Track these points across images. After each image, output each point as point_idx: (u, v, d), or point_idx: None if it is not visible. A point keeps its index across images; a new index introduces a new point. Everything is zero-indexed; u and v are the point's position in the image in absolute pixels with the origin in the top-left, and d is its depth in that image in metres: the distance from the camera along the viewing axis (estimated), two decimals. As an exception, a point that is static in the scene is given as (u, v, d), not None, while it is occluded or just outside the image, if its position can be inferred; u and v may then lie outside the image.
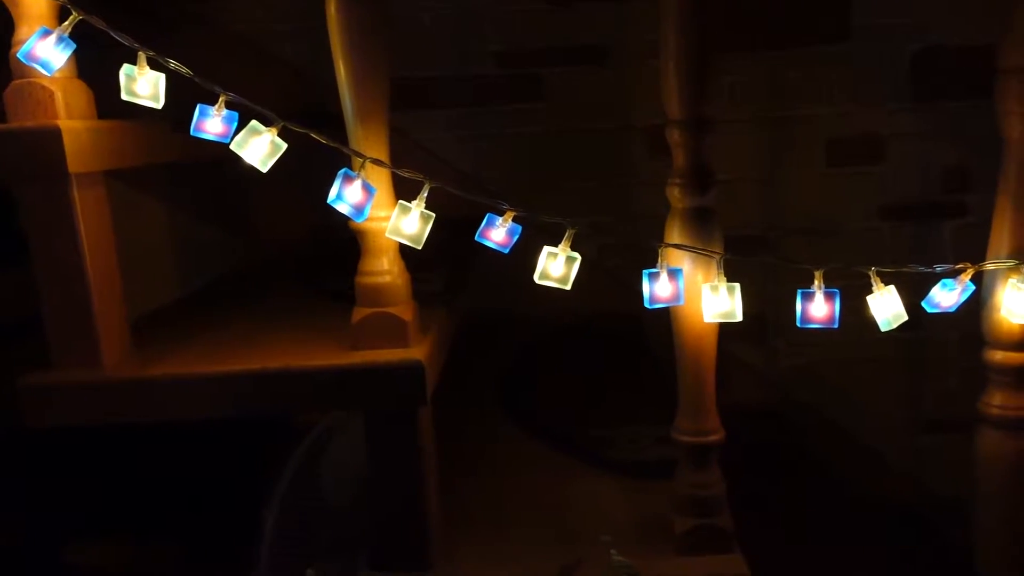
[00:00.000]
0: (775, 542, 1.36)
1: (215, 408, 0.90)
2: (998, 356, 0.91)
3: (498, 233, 0.86)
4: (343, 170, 0.81)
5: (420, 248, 0.85)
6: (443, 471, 1.16)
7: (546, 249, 0.85)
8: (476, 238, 0.86)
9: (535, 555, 0.95)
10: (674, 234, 0.89)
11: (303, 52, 1.67)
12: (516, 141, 1.73)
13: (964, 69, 1.65)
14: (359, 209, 0.82)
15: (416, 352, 0.90)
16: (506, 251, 0.87)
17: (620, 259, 1.61)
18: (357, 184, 0.82)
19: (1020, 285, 0.86)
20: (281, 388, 0.90)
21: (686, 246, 0.86)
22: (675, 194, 0.89)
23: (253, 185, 1.28)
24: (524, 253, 0.85)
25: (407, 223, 0.84)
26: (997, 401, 0.92)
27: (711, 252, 0.85)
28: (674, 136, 0.88)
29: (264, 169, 0.80)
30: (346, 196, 0.81)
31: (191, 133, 0.82)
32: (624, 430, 1.25)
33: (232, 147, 0.79)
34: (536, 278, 0.86)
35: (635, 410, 1.21)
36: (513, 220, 0.86)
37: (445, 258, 1.20)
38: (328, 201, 0.81)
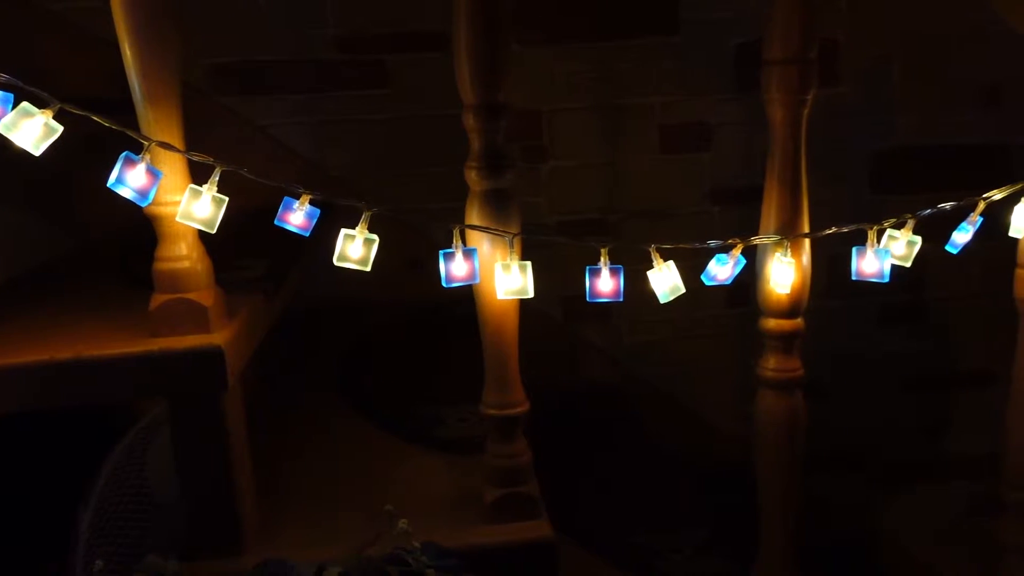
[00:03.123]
0: (606, 506, 1.44)
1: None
2: (771, 323, 1.00)
3: (296, 216, 0.87)
4: (124, 153, 0.80)
5: (214, 232, 0.84)
6: (273, 454, 1.16)
7: (343, 231, 0.87)
8: (275, 222, 0.87)
9: (351, 534, 0.96)
10: (473, 215, 0.92)
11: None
12: (362, 128, 1.73)
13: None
14: (143, 193, 0.80)
15: (217, 337, 0.90)
16: (306, 234, 0.88)
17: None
18: (141, 168, 0.80)
19: (783, 259, 0.95)
20: (73, 379, 0.87)
21: (479, 226, 0.90)
22: (472, 177, 0.92)
23: (79, 173, 1.23)
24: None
25: (199, 207, 0.83)
26: (771, 364, 1.01)
27: (503, 232, 0.89)
28: (469, 121, 0.91)
29: (37, 153, 0.77)
30: (128, 180, 0.79)
31: (-40, 117, 0.78)
32: (455, 409, 1.29)
33: (0, 129, 0.76)
34: (335, 260, 0.88)
35: (468, 390, 1.25)
36: (311, 203, 0.87)
37: (269, 244, 1.19)
38: (108, 185, 0.79)
